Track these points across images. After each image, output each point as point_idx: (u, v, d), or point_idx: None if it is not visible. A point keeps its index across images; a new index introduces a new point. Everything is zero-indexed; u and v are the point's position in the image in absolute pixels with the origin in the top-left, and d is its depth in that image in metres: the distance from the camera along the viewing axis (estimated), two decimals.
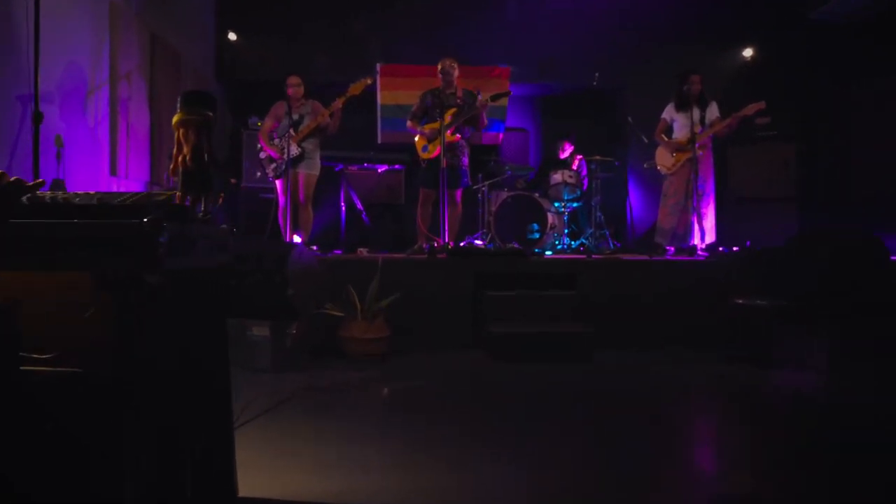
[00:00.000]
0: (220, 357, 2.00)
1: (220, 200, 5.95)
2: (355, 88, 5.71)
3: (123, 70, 5.22)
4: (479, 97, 5.71)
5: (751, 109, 5.72)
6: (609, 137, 8.36)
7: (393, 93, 7.75)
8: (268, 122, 5.91)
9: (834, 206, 6.61)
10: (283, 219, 5.67)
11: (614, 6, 7.72)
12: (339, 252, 6.95)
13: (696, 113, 5.82)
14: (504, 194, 7.15)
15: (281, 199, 5.76)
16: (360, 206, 7.16)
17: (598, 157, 7.22)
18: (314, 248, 5.75)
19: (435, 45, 6.33)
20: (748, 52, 7.74)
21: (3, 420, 1.47)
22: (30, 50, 3.54)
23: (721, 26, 7.60)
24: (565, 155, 7.78)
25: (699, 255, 5.47)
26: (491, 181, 7.35)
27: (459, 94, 5.76)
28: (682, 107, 5.99)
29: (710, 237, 5.86)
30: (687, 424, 3.31)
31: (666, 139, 6.07)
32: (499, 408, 3.32)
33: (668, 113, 6.12)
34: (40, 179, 1.55)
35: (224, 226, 1.94)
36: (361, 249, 6.56)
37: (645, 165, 6.37)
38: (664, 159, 6.06)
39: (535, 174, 7.90)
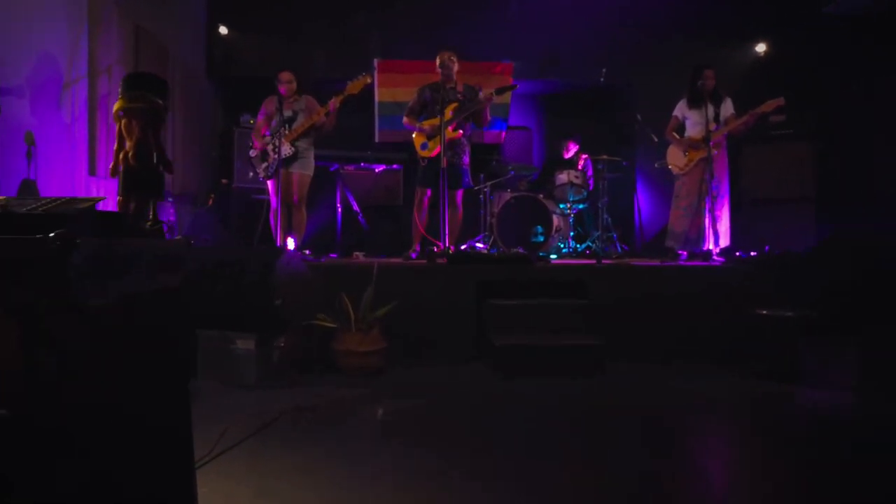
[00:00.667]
0: (174, 393, 1.68)
1: (210, 202, 5.60)
2: (354, 87, 5.41)
3: (104, 63, 4.92)
4: (482, 92, 5.40)
5: (769, 106, 5.40)
6: (616, 136, 8.05)
7: (391, 90, 7.45)
8: (261, 121, 5.60)
9: (853, 207, 6.29)
10: (276, 221, 5.36)
11: None
12: (334, 256, 6.64)
13: (710, 110, 5.51)
14: (507, 195, 6.85)
15: (273, 201, 5.45)
16: (356, 207, 6.85)
17: (604, 157, 6.89)
18: (307, 252, 5.44)
19: (435, 40, 6.02)
20: (760, 47, 7.44)
21: None
22: None
23: (732, 20, 7.29)
24: (570, 155, 7.48)
25: (714, 261, 5.16)
26: (493, 182, 7.04)
27: (460, 88, 5.45)
28: (694, 103, 5.68)
29: (724, 241, 5.55)
30: (711, 451, 3.01)
31: (678, 137, 5.76)
32: (505, 434, 3.01)
33: (680, 110, 5.81)
34: None
35: (181, 237, 1.61)
36: (357, 253, 6.27)
37: (656, 165, 6.06)
38: (676, 159, 5.75)
39: (539, 174, 7.59)
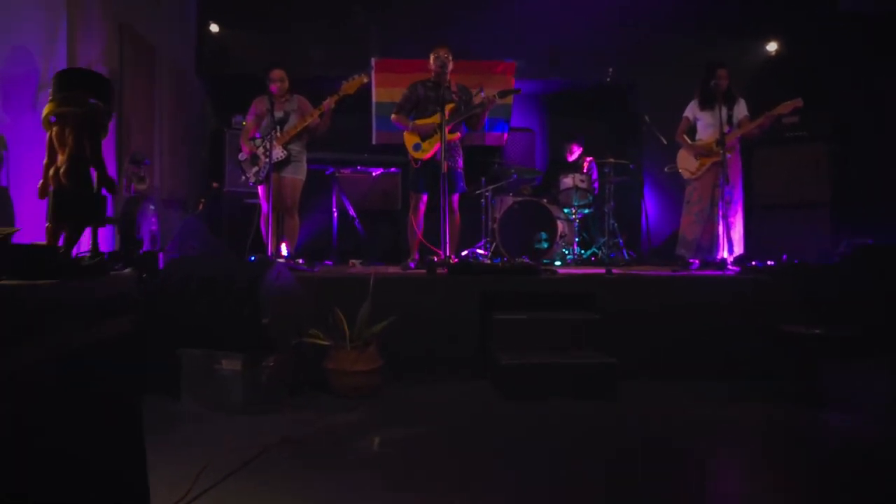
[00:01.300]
0: (126, 452, 1.41)
1: (201, 207, 5.25)
2: (349, 87, 5.14)
3: (84, 61, 4.63)
4: (483, 94, 5.13)
5: (786, 107, 5.13)
6: (622, 137, 7.79)
7: (389, 90, 7.16)
8: (250, 122, 5.33)
9: (871, 212, 6.03)
10: (267, 228, 5.09)
11: None
12: (329, 263, 6.38)
13: (723, 111, 5.23)
14: (509, 200, 6.58)
15: (264, 207, 5.18)
16: (352, 212, 6.58)
17: (611, 160, 6.66)
18: (300, 260, 5.16)
19: (435, 38, 5.73)
20: (772, 46, 7.18)
21: None
22: None
23: (744, 17, 7.04)
24: (573, 158, 7.21)
25: (729, 270, 4.89)
26: (495, 185, 6.77)
27: (454, 88, 5.18)
28: (707, 104, 5.40)
29: (738, 249, 5.28)
30: (734, 485, 2.74)
31: (689, 141, 5.49)
32: (513, 470, 2.74)
33: (691, 111, 5.54)
34: None
35: (129, 270, 1.34)
36: (354, 261, 6.01)
37: (665, 169, 5.78)
38: (687, 163, 5.48)
39: (543, 178, 7.32)
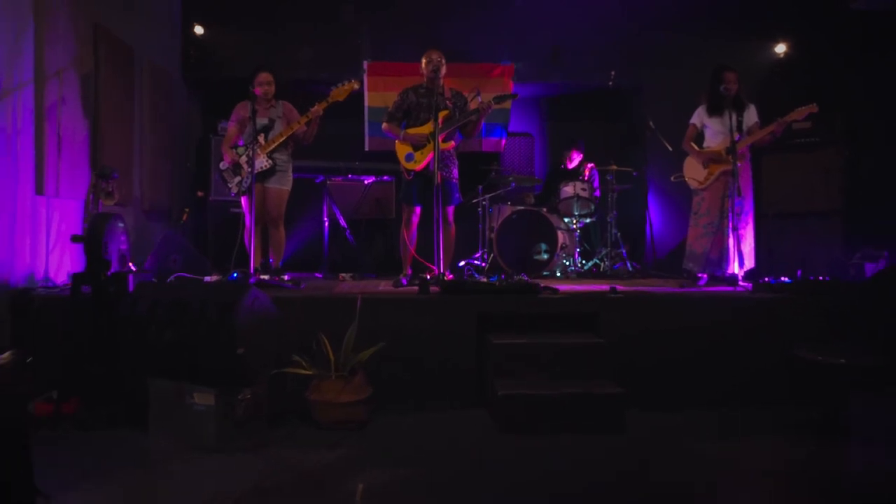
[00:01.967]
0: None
1: (185, 217, 4.90)
2: (338, 93, 4.85)
3: (53, 67, 4.34)
4: (479, 98, 4.83)
5: (800, 113, 4.85)
6: (625, 143, 7.50)
7: (382, 94, 6.87)
8: (233, 129, 5.04)
9: (887, 221, 5.73)
10: (251, 241, 4.80)
11: None
12: (319, 276, 6.10)
13: (733, 118, 4.94)
14: (507, 209, 6.30)
15: (248, 219, 4.88)
16: (343, 223, 6.28)
17: (613, 167, 6.37)
18: (286, 276, 4.87)
19: (430, 40, 5.46)
20: (781, 47, 6.89)
21: None
22: None
23: (752, 18, 6.75)
24: (573, 165, 6.93)
25: (740, 287, 4.60)
26: (492, 194, 6.49)
27: (448, 94, 4.89)
28: (715, 110, 5.11)
29: (749, 262, 4.99)
30: None
31: (697, 148, 5.19)
32: None
33: (699, 118, 5.24)
34: None
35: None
36: (343, 275, 5.72)
37: (672, 179, 5.50)
38: (695, 172, 5.18)
39: (542, 186, 7.03)
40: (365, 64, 6.92)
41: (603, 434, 3.39)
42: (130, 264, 5.19)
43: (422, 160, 4.74)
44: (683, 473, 2.98)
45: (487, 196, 6.47)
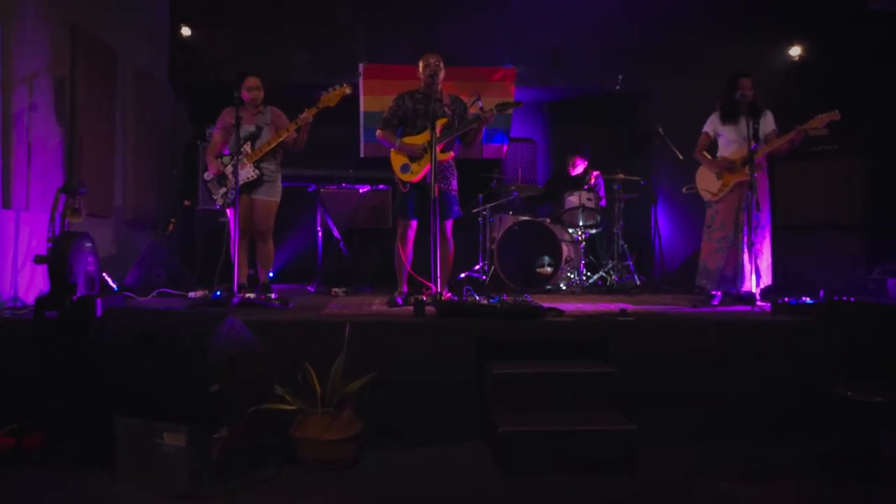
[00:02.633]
0: None
1: (171, 228, 4.52)
2: (329, 98, 4.56)
3: (22, 72, 4.05)
4: (480, 103, 4.53)
5: (821, 120, 4.55)
6: (632, 150, 7.21)
7: (379, 98, 6.58)
8: (218, 137, 4.76)
9: None
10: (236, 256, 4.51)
11: None
12: (311, 289, 5.83)
13: (749, 125, 4.63)
14: (509, 219, 6.02)
15: (234, 233, 4.59)
16: (336, 234, 5.99)
17: (620, 175, 6.08)
18: (272, 295, 4.58)
19: (428, 43, 5.19)
20: (796, 50, 6.60)
21: None
22: None
23: (765, 20, 6.46)
24: (577, 172, 6.64)
25: (758, 308, 4.31)
26: (493, 204, 6.20)
27: (446, 100, 4.60)
28: (729, 118, 4.81)
29: (766, 279, 4.70)
30: None
31: (710, 158, 4.89)
32: None
33: (712, 125, 4.93)
34: None
35: None
36: (336, 290, 5.43)
37: (684, 190, 5.20)
38: (708, 183, 4.88)
39: (545, 193, 6.74)
40: (361, 67, 6.64)
41: (614, 475, 3.09)
42: (109, 279, 4.93)
43: (419, 171, 4.45)
44: None
45: (488, 206, 6.18)
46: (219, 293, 4.34)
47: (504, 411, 3.34)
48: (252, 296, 4.43)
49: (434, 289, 4.22)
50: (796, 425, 3.55)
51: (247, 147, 4.55)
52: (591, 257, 6.43)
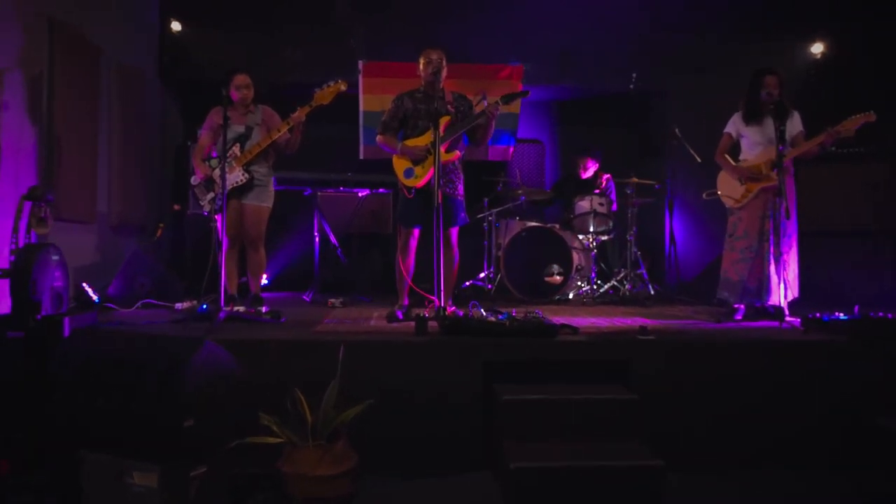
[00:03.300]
0: None
1: (160, 233, 4.09)
2: (323, 96, 4.26)
3: None
4: (486, 102, 4.20)
5: (855, 122, 4.22)
6: (645, 152, 6.89)
7: (379, 97, 6.25)
8: (205, 139, 4.45)
9: None
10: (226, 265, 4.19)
11: None
12: (307, 298, 5.51)
13: (776, 127, 4.30)
14: (516, 225, 5.71)
15: (224, 240, 4.27)
16: (334, 240, 5.68)
17: (634, 179, 5.75)
18: (263, 308, 4.26)
19: (431, 39, 4.87)
20: (819, 48, 6.27)
21: None
22: None
23: (786, 16, 6.13)
24: (588, 174, 6.32)
25: (787, 324, 3.98)
26: (500, 209, 5.88)
27: (449, 98, 4.27)
28: (753, 119, 4.48)
29: (793, 292, 4.37)
30: None
31: (732, 163, 4.56)
32: None
33: (734, 126, 4.60)
34: None
35: None
36: (333, 300, 5.11)
37: (704, 196, 4.87)
38: (730, 188, 4.54)
39: (554, 197, 6.42)
40: (360, 64, 6.32)
41: None
42: (91, 290, 4.62)
43: (423, 175, 4.12)
44: None
45: (494, 211, 5.87)
46: (205, 306, 4.03)
47: (514, 443, 3.02)
48: (241, 309, 4.13)
49: (437, 302, 3.89)
50: (841, 457, 3.23)
51: (236, 149, 4.25)
52: (602, 265, 6.10)
